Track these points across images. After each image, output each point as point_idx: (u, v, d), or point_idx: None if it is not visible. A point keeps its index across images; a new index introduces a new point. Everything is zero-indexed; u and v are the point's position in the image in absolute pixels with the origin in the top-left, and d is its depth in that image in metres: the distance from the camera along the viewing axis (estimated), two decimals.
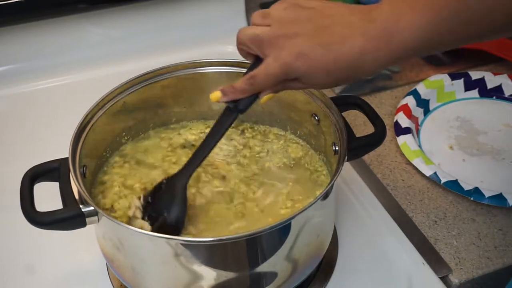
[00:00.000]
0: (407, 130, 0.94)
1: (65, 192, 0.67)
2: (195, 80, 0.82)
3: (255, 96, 0.64)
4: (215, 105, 0.85)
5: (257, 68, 0.62)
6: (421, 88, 1.02)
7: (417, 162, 0.90)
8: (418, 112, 1.00)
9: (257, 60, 0.64)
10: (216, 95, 0.65)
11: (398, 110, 0.98)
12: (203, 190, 0.76)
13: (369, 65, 0.60)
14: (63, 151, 0.70)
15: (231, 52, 1.14)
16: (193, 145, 0.83)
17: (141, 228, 0.68)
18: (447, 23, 0.57)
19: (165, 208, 0.69)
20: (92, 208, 0.64)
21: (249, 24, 1.22)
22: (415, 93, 1.01)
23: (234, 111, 0.66)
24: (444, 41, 0.59)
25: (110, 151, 0.80)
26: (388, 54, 0.59)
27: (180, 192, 0.69)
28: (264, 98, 0.64)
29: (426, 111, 1.01)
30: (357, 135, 0.74)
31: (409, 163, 0.92)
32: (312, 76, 0.60)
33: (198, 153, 0.70)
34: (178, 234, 0.69)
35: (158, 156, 0.81)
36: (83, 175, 0.71)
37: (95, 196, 0.75)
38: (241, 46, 0.66)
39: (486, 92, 1.04)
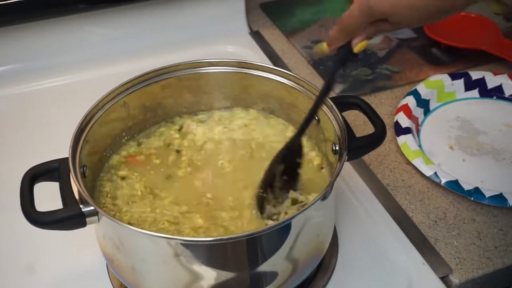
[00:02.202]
0: (407, 130, 0.94)
1: (65, 192, 0.67)
2: (195, 80, 0.83)
3: (348, 49, 0.65)
4: (215, 105, 0.86)
5: (343, 14, 0.63)
6: (421, 88, 1.02)
7: (417, 162, 0.90)
8: (418, 112, 1.00)
9: None
10: (324, 47, 0.68)
11: (398, 110, 0.98)
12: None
13: None
14: (63, 151, 0.70)
15: (231, 52, 1.15)
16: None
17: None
18: None
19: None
20: (92, 208, 0.64)
21: (249, 24, 1.23)
22: (415, 93, 1.01)
23: (336, 64, 0.68)
24: None
25: (110, 151, 0.80)
26: None
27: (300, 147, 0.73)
28: (358, 46, 0.64)
29: (426, 111, 1.01)
30: (357, 135, 0.74)
31: (409, 163, 0.92)
32: (397, 13, 0.59)
33: (311, 111, 0.71)
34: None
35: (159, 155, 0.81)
36: (83, 175, 0.71)
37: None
38: None
39: (486, 92, 1.04)
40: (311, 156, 0.81)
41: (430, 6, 0.58)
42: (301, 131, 0.72)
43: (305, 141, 0.79)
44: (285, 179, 0.73)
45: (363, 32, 0.63)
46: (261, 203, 0.72)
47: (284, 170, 0.73)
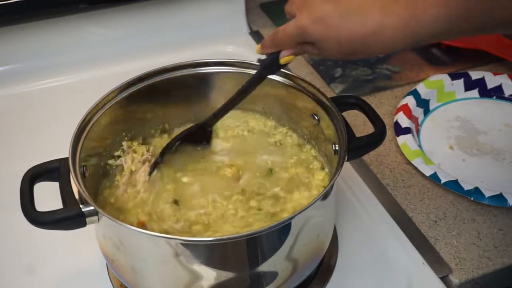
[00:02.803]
0: (407, 130, 0.94)
1: (65, 192, 0.67)
2: (195, 80, 0.82)
3: (276, 57, 0.70)
4: (215, 105, 0.86)
5: (280, 27, 0.67)
6: (421, 88, 1.02)
7: (417, 162, 0.90)
8: (418, 112, 1.00)
9: None
10: (257, 48, 0.71)
11: (398, 110, 0.98)
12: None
13: (383, 44, 0.61)
14: (63, 151, 0.70)
15: (231, 52, 1.15)
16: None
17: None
18: (470, 9, 0.57)
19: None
20: (92, 207, 0.64)
21: (249, 24, 1.23)
22: (415, 93, 1.01)
23: (259, 68, 0.73)
24: (462, 28, 0.59)
25: (110, 151, 0.80)
26: (405, 33, 0.59)
27: (208, 133, 0.81)
28: (284, 58, 0.69)
29: (426, 111, 1.01)
30: (357, 135, 0.74)
31: (409, 163, 0.92)
32: (325, 43, 0.63)
33: (226, 104, 0.77)
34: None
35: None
36: (83, 175, 0.71)
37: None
38: (286, 8, 0.69)
39: (486, 92, 1.04)
40: (311, 156, 0.81)
41: (353, 46, 0.62)
42: (217, 115, 0.78)
43: (292, 138, 0.83)
44: None
45: (292, 49, 0.67)
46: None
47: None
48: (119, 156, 0.80)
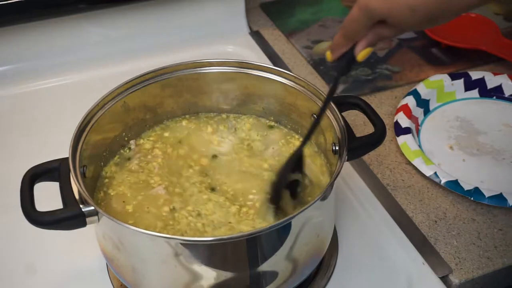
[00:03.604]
0: (407, 130, 0.94)
1: (65, 192, 0.67)
2: (195, 80, 0.82)
3: (351, 56, 0.63)
4: (215, 105, 0.86)
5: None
6: (421, 88, 1.02)
7: (417, 162, 0.90)
8: (418, 112, 1.00)
9: None
10: (328, 55, 0.65)
11: (398, 110, 0.98)
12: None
13: None
14: (63, 151, 0.70)
15: (231, 52, 1.15)
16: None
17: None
18: None
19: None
20: (92, 208, 0.64)
21: (249, 24, 1.23)
22: (415, 93, 1.01)
23: (338, 74, 0.66)
24: None
25: (110, 151, 0.80)
26: None
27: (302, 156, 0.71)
28: (360, 54, 0.62)
29: (426, 111, 1.01)
30: (357, 135, 0.74)
31: (409, 163, 0.92)
32: (395, 14, 0.57)
33: (314, 124, 0.70)
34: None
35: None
36: (83, 175, 0.71)
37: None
38: (344, 2, 0.65)
39: (486, 92, 1.04)
40: (312, 156, 0.81)
41: (429, 7, 0.56)
42: (305, 141, 0.70)
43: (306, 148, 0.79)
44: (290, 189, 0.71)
45: (365, 38, 0.61)
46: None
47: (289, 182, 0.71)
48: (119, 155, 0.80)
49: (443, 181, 0.87)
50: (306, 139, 0.70)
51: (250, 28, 1.23)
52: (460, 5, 0.57)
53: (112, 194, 0.76)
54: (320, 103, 0.76)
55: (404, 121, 0.96)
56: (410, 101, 0.99)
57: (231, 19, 1.20)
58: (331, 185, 0.67)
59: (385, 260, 0.79)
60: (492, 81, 1.03)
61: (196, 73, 0.82)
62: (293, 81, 0.79)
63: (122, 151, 0.81)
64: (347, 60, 0.64)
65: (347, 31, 0.62)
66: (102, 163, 0.79)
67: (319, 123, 0.69)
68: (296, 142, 0.83)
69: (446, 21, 0.59)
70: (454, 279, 0.77)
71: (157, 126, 0.85)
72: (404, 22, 0.58)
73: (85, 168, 0.72)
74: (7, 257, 0.81)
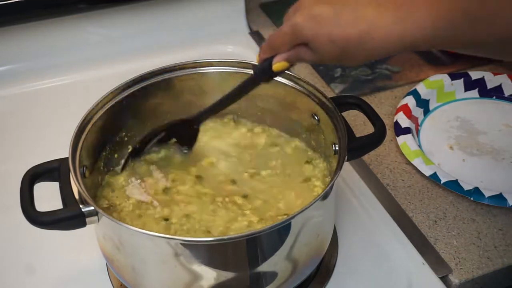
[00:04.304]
0: (407, 130, 0.94)
1: (65, 192, 0.67)
2: (195, 80, 0.82)
3: (269, 63, 0.66)
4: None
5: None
6: (421, 88, 1.02)
7: (417, 162, 0.90)
8: (418, 112, 1.00)
9: None
10: (256, 57, 0.68)
11: (398, 110, 0.98)
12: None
13: (379, 43, 0.59)
14: (63, 151, 0.70)
15: (231, 52, 1.15)
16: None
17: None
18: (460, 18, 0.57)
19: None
20: (92, 208, 0.64)
21: (249, 24, 1.23)
22: (415, 93, 1.01)
23: (253, 77, 0.70)
24: (451, 38, 0.59)
25: (110, 151, 0.80)
26: (401, 34, 0.58)
27: (193, 132, 0.79)
28: (276, 64, 0.65)
29: (426, 111, 1.01)
30: (357, 135, 0.74)
31: (409, 163, 0.92)
32: (317, 42, 0.60)
33: (217, 104, 0.76)
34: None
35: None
36: (83, 175, 0.71)
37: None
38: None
39: (486, 92, 1.04)
40: (311, 156, 0.81)
41: (347, 44, 0.59)
42: (205, 113, 0.77)
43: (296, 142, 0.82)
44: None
45: (286, 53, 0.64)
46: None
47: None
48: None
49: (443, 181, 0.87)
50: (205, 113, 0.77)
51: (250, 28, 1.23)
52: (371, 51, 0.60)
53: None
54: (320, 103, 0.76)
55: (404, 121, 0.96)
56: (410, 101, 0.99)
57: (231, 19, 1.20)
58: (331, 185, 0.67)
59: (385, 260, 0.79)
60: (492, 81, 1.03)
61: (196, 73, 0.82)
62: (293, 81, 0.79)
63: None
64: (264, 66, 0.67)
65: (272, 41, 0.65)
66: (102, 163, 0.79)
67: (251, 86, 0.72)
68: (294, 144, 0.83)
69: (360, 62, 0.63)
70: (454, 279, 0.77)
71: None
72: (323, 50, 0.61)
73: (85, 168, 0.72)
74: (7, 257, 0.81)
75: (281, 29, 0.64)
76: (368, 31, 0.58)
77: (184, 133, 0.80)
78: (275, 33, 0.65)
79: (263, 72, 0.68)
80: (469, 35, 0.59)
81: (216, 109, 0.77)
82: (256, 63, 0.68)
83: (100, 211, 0.64)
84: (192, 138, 0.81)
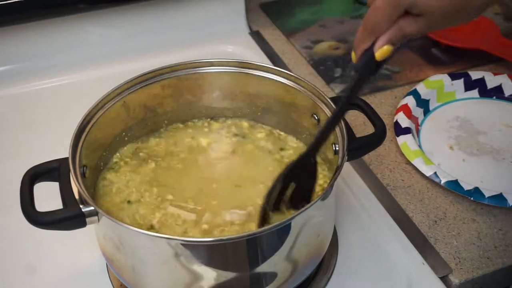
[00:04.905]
0: (407, 130, 0.94)
1: (65, 192, 0.67)
2: (195, 80, 0.82)
3: (370, 54, 0.58)
4: (215, 105, 0.86)
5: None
6: (421, 88, 1.02)
7: (417, 162, 0.90)
8: (418, 112, 1.00)
9: None
10: (353, 55, 0.60)
11: (398, 110, 0.98)
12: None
13: None
14: (63, 151, 0.70)
15: (231, 52, 1.15)
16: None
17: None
18: None
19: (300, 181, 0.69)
20: (92, 208, 0.64)
21: (249, 24, 1.23)
22: (415, 93, 1.01)
23: (358, 75, 0.61)
24: None
25: (110, 151, 0.80)
26: None
27: (313, 165, 0.69)
28: (379, 51, 0.57)
29: (426, 111, 1.01)
30: (357, 135, 0.74)
31: (409, 163, 0.92)
32: (423, 2, 0.53)
33: (327, 126, 0.67)
34: (308, 202, 0.67)
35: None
36: (83, 175, 0.71)
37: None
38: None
39: (486, 92, 1.04)
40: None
41: None
42: (314, 148, 0.68)
43: (319, 159, 0.76)
44: (294, 196, 0.69)
45: (387, 34, 0.57)
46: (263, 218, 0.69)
47: (295, 189, 0.69)
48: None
49: (443, 181, 0.87)
50: (313, 147, 0.68)
51: (250, 28, 1.23)
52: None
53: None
54: (320, 103, 0.76)
55: (404, 121, 0.96)
56: (410, 101, 0.99)
57: (231, 19, 1.20)
58: (331, 185, 0.67)
59: (385, 260, 0.79)
60: (492, 81, 1.03)
61: (196, 73, 0.82)
62: (293, 81, 0.79)
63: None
64: (366, 59, 0.59)
65: (368, 22, 0.57)
66: (102, 163, 0.79)
67: (329, 133, 0.66)
68: (294, 145, 0.83)
69: (479, 11, 0.55)
70: (454, 279, 0.78)
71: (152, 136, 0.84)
72: (431, 10, 0.54)
73: (85, 168, 0.72)
74: (7, 257, 0.81)
75: (375, 5, 0.56)
76: None
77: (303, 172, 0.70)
78: (369, 13, 0.56)
79: (368, 67, 0.59)
80: None
81: (330, 131, 0.67)
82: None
83: (100, 211, 0.64)
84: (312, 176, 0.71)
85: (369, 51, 0.58)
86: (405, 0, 0.54)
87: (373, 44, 0.58)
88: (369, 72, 0.60)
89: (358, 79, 0.62)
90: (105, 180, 0.78)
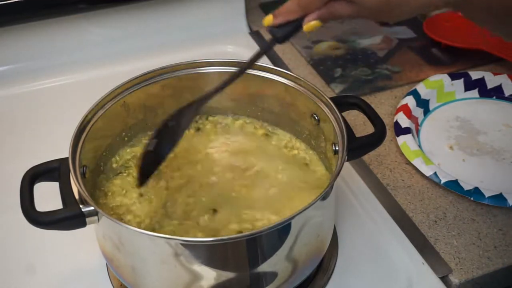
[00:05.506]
0: (407, 130, 0.94)
1: (65, 192, 0.67)
2: (195, 80, 0.82)
3: (298, 25, 0.61)
4: (215, 105, 0.86)
5: None
6: (421, 88, 1.02)
7: (417, 162, 0.90)
8: (418, 112, 1.00)
9: None
10: (268, 18, 0.62)
11: (398, 110, 0.98)
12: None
13: None
14: (63, 151, 0.70)
15: (231, 52, 1.15)
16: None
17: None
18: None
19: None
20: (92, 208, 0.64)
21: (249, 24, 1.23)
22: (415, 93, 1.01)
23: (272, 40, 0.64)
24: None
25: (110, 151, 0.80)
26: None
27: (185, 123, 0.69)
28: (309, 25, 0.60)
29: (426, 111, 1.01)
30: (357, 135, 0.74)
31: (409, 163, 0.92)
32: None
33: (227, 80, 0.68)
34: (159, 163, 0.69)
35: None
36: (83, 175, 0.71)
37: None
38: None
39: (486, 92, 1.04)
40: (310, 156, 0.81)
41: None
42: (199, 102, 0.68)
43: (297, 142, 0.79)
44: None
45: (319, 11, 0.59)
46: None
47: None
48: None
49: (443, 181, 0.87)
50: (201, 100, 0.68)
51: (250, 28, 1.23)
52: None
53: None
54: (320, 103, 0.76)
55: (404, 121, 0.96)
56: (410, 101, 0.99)
57: (231, 19, 1.20)
58: (331, 185, 0.67)
59: (385, 260, 0.79)
60: (492, 81, 1.03)
61: (196, 73, 0.82)
62: (293, 81, 0.79)
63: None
64: (292, 28, 0.61)
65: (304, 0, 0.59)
66: (102, 164, 0.79)
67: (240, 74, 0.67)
68: (297, 144, 0.83)
69: (404, 14, 0.56)
70: (454, 279, 0.77)
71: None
72: (366, 1, 0.56)
73: (85, 168, 0.72)
74: (7, 257, 0.81)
75: None
76: None
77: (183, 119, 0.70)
78: None
79: (288, 36, 0.62)
80: None
81: (225, 84, 0.69)
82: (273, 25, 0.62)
83: (100, 211, 0.64)
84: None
85: (294, 23, 0.60)
86: None
87: (301, 17, 0.60)
88: (283, 40, 0.63)
89: (269, 43, 0.65)
90: (110, 183, 0.78)
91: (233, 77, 0.68)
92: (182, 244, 0.63)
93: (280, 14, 0.62)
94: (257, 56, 0.67)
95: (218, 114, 0.86)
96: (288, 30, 0.62)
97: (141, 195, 0.76)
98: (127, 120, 0.81)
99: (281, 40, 0.64)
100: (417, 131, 0.98)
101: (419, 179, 0.90)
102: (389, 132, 0.96)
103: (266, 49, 0.66)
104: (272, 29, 0.64)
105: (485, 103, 1.03)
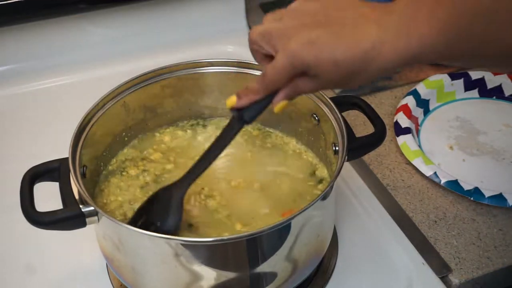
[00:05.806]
0: (407, 130, 0.94)
1: (65, 192, 0.67)
2: (195, 80, 0.83)
3: (264, 104, 0.60)
4: (215, 105, 0.86)
5: (266, 68, 0.59)
6: (421, 88, 1.02)
7: (417, 162, 0.90)
8: (418, 112, 1.00)
9: None
10: (231, 100, 0.61)
11: (398, 110, 0.98)
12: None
13: (385, 59, 0.55)
14: (63, 151, 0.70)
15: (231, 52, 1.15)
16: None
17: None
18: (469, 24, 0.54)
19: (158, 219, 0.68)
20: (92, 208, 0.64)
21: (249, 24, 1.23)
22: (415, 93, 1.01)
23: (240, 122, 0.63)
24: (461, 47, 0.55)
25: (110, 151, 0.80)
26: (406, 47, 0.54)
27: (175, 204, 0.68)
28: (278, 105, 0.60)
29: (426, 111, 1.01)
30: (357, 135, 0.74)
31: (409, 163, 0.92)
32: (320, 67, 0.56)
33: (199, 164, 0.67)
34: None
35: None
36: (83, 175, 0.71)
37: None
38: (253, 46, 0.61)
39: (486, 92, 1.04)
40: (310, 156, 0.81)
41: (352, 64, 0.55)
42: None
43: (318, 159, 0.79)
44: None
45: (284, 90, 0.59)
46: None
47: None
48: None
49: (443, 181, 0.87)
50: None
51: (250, 28, 1.23)
52: (378, 67, 0.56)
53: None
54: (320, 103, 0.76)
55: (404, 121, 0.96)
56: (410, 101, 0.99)
57: (231, 19, 1.20)
58: (331, 185, 0.67)
59: (385, 260, 0.79)
60: (492, 81, 1.03)
61: (196, 73, 0.82)
62: None
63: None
64: (260, 108, 0.60)
65: (267, 78, 0.59)
66: (102, 163, 0.79)
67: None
68: (297, 144, 0.83)
69: (366, 81, 0.58)
70: (454, 279, 0.78)
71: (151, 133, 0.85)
72: (327, 76, 0.56)
73: (85, 168, 0.72)
74: (7, 257, 0.81)
75: (275, 63, 0.57)
76: (373, 48, 0.54)
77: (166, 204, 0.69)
78: (269, 69, 0.58)
79: (256, 116, 0.61)
80: (475, 48, 0.56)
81: (201, 171, 0.67)
82: (238, 106, 0.61)
83: (100, 211, 0.64)
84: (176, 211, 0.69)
85: (261, 102, 0.60)
86: (306, 64, 0.56)
87: (267, 96, 0.59)
88: (251, 121, 0.62)
89: (237, 125, 0.63)
90: (110, 183, 0.78)
91: (212, 159, 0.67)
92: (182, 244, 0.63)
93: (245, 95, 0.61)
94: (226, 140, 0.65)
95: (218, 117, 0.86)
96: (256, 110, 0.61)
97: (141, 195, 0.76)
98: (127, 120, 0.81)
99: (250, 121, 0.62)
100: (417, 131, 0.98)
101: (419, 179, 0.90)
102: (389, 132, 0.96)
103: (235, 133, 0.64)
104: (236, 111, 0.62)
105: (485, 103, 1.03)
